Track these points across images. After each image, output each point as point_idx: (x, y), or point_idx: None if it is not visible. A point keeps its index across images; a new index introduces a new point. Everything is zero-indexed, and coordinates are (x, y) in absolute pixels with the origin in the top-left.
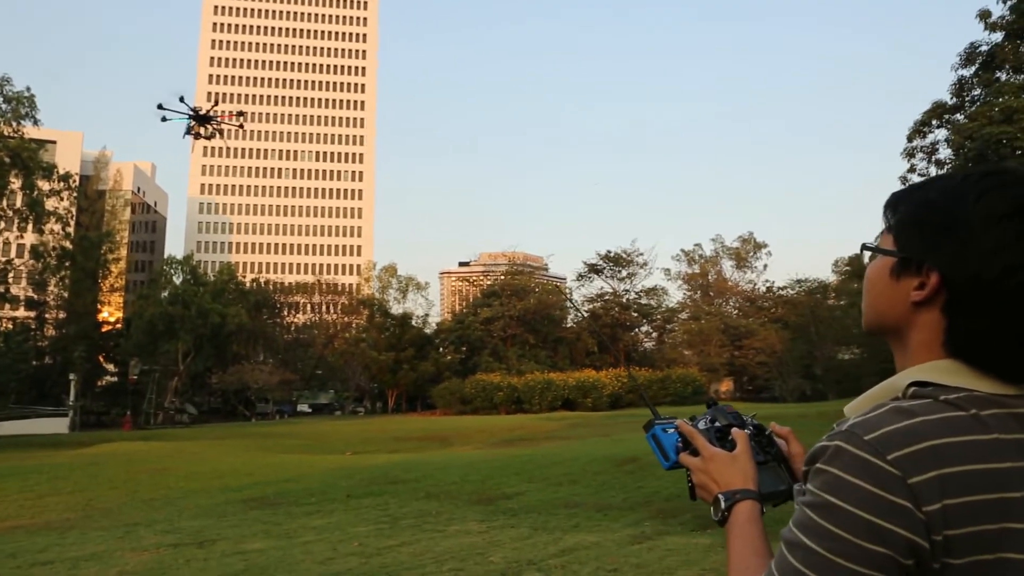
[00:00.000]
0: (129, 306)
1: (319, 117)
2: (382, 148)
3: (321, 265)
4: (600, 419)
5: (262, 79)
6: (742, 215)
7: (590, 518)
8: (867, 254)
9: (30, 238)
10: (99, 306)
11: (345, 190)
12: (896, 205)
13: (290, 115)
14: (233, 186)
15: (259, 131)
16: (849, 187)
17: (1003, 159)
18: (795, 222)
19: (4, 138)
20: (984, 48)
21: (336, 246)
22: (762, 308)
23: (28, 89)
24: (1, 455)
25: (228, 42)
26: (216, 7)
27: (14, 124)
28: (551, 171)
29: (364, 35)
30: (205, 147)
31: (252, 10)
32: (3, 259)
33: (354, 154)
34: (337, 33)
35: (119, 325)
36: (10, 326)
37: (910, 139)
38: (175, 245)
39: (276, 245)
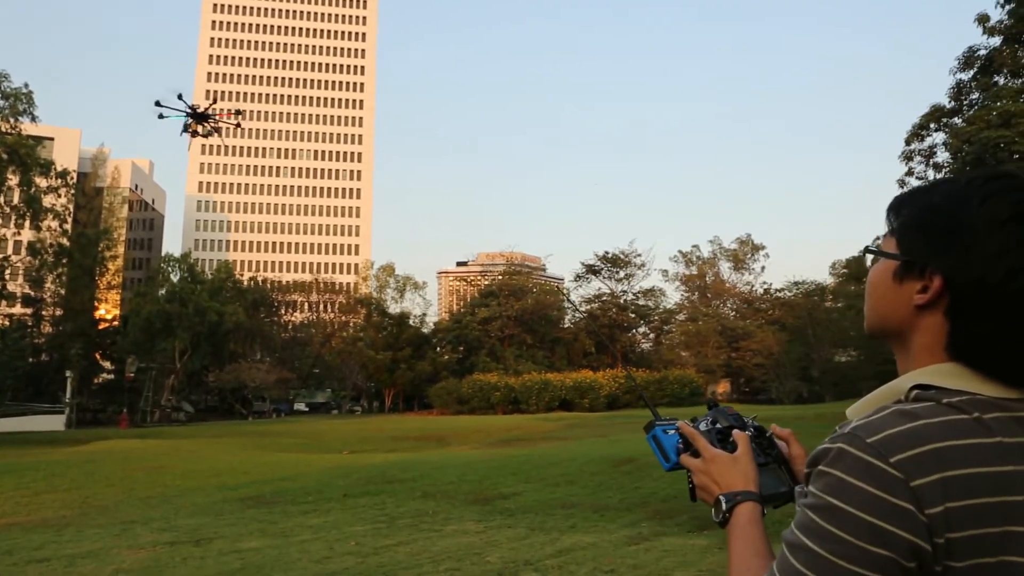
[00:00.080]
0: (126, 304)
1: (318, 116)
2: (381, 147)
3: (319, 264)
4: (597, 420)
5: (261, 77)
6: (741, 216)
7: (587, 519)
8: (870, 257)
9: (27, 235)
10: (96, 303)
11: (343, 189)
12: (899, 208)
13: (289, 114)
14: (231, 184)
15: (258, 129)
16: (848, 188)
17: (1001, 163)
18: (793, 223)
19: (2, 134)
20: (982, 52)
21: (334, 245)
22: (759, 310)
23: (26, 85)
24: None
25: (227, 40)
26: (215, 5)
27: (12, 120)
28: (550, 171)
29: (363, 34)
30: (203, 145)
31: (251, 8)
32: (0, 256)
33: (353, 153)
34: (336, 32)
35: (116, 323)
36: (7, 323)
37: (908, 142)
38: (173, 243)
39: (274, 243)
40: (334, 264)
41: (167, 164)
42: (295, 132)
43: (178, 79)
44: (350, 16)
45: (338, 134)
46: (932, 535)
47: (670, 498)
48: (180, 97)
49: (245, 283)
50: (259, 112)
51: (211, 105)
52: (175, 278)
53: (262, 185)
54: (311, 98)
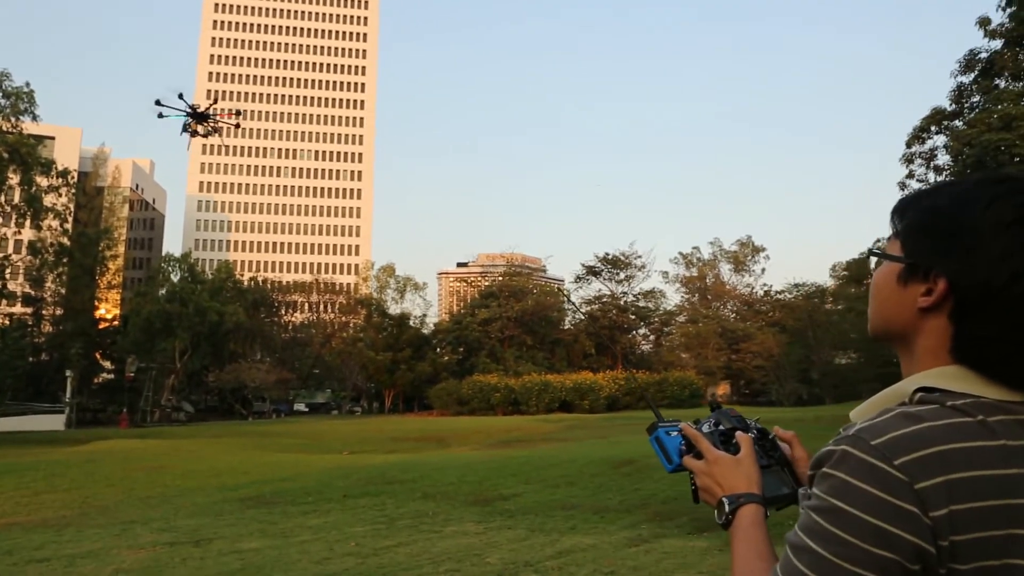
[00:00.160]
0: (126, 303)
1: (318, 116)
2: (381, 148)
3: (319, 264)
4: (597, 421)
5: (262, 77)
6: (741, 217)
7: (587, 520)
8: (874, 259)
9: (28, 234)
10: (96, 303)
11: (344, 189)
12: (904, 211)
13: (289, 114)
14: (232, 184)
15: (258, 129)
16: (848, 189)
17: (1001, 166)
18: (793, 224)
19: (3, 133)
20: (983, 55)
21: (334, 245)
22: (760, 312)
23: (27, 84)
24: None
25: (228, 40)
26: (216, 5)
27: (13, 120)
28: (550, 172)
29: (364, 34)
30: (204, 145)
31: (252, 8)
32: (1, 255)
33: (353, 153)
34: (337, 32)
35: (116, 322)
36: (7, 322)
37: (909, 145)
38: (173, 243)
39: (274, 244)
40: (334, 264)
41: (168, 164)
42: (296, 132)
43: (179, 79)
44: (351, 16)
45: (339, 134)
46: (936, 537)
47: (670, 500)
48: (181, 97)
49: (245, 283)
50: (260, 112)
51: (211, 105)
52: (175, 278)
53: (263, 185)
54: (312, 98)
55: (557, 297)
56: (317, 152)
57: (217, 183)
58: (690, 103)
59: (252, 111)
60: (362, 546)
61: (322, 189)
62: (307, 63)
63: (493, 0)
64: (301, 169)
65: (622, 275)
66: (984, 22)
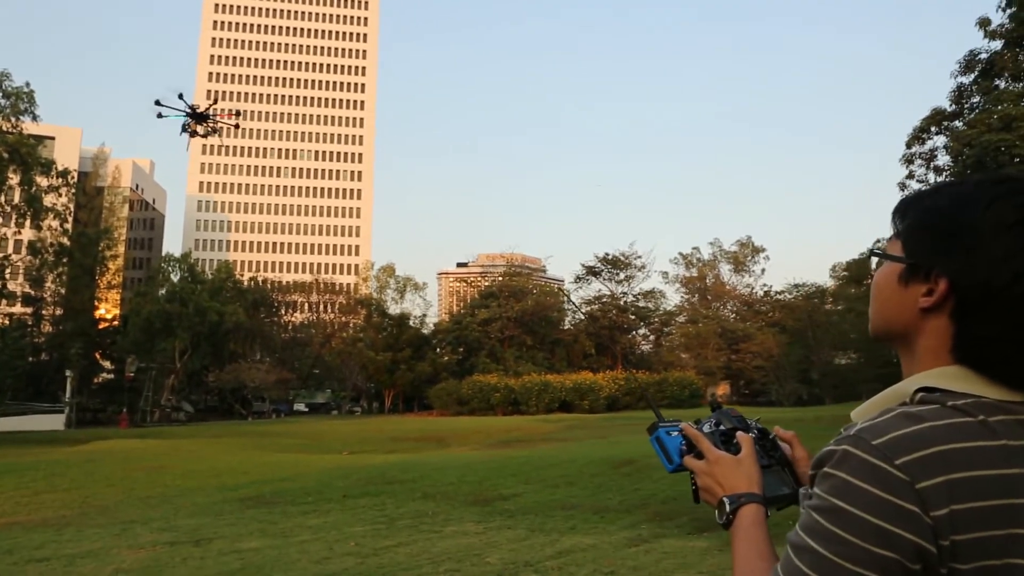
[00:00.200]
0: (126, 303)
1: (318, 116)
2: (381, 148)
3: (319, 264)
4: (597, 421)
5: (262, 77)
6: (741, 217)
7: (587, 520)
8: (875, 260)
9: (28, 234)
10: (96, 303)
11: (344, 189)
12: (905, 211)
13: (289, 114)
14: (232, 184)
15: (258, 130)
16: (848, 190)
17: (1001, 166)
18: (793, 225)
19: (3, 133)
20: (983, 56)
21: (334, 245)
22: (759, 312)
23: (27, 84)
24: None
25: (228, 40)
26: (217, 5)
27: (13, 120)
28: (550, 172)
29: (364, 35)
30: (204, 145)
31: (253, 8)
32: (1, 255)
33: (353, 153)
34: (337, 32)
35: (116, 322)
36: (7, 322)
37: (909, 145)
38: (173, 243)
39: (274, 244)
40: (334, 264)
41: (168, 164)
42: (296, 132)
43: (179, 79)
44: (351, 16)
45: (339, 134)
46: (937, 537)
47: (670, 500)
48: (181, 97)
49: (245, 283)
50: (260, 112)
51: (211, 105)
52: (175, 278)
53: (263, 185)
54: (312, 98)
55: (557, 297)
56: (317, 152)
57: (217, 183)
58: (690, 103)
59: (252, 111)
60: (362, 546)
61: (322, 189)
62: (307, 63)
63: (493, 0)
64: (301, 169)
65: (622, 275)
66: (984, 23)
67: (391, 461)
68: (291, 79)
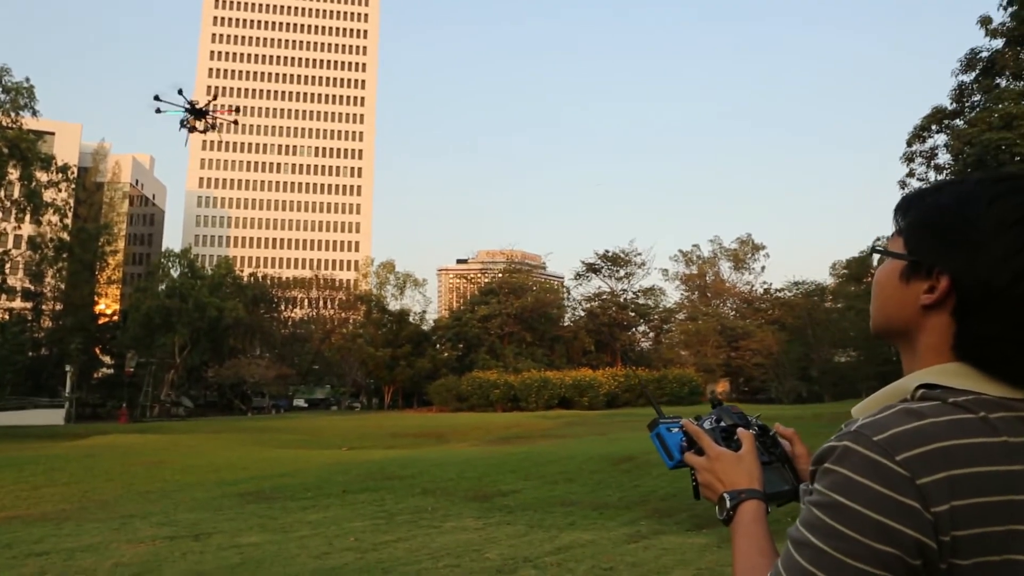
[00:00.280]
0: (126, 299)
1: (319, 112)
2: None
3: (319, 260)
4: (597, 418)
5: (262, 73)
6: (741, 216)
7: (586, 516)
8: (876, 257)
9: (28, 229)
10: (96, 298)
11: (344, 186)
12: (907, 209)
13: (290, 110)
14: (232, 180)
15: (258, 126)
16: (848, 188)
17: (1002, 165)
18: (793, 223)
19: (3, 129)
20: (984, 54)
21: (334, 241)
22: (759, 310)
23: (27, 80)
24: None
25: (228, 36)
26: (217, 1)
27: (13, 115)
28: (550, 170)
29: (365, 31)
30: (204, 141)
31: (253, 5)
32: (0, 250)
33: (353, 150)
34: (338, 29)
35: (116, 317)
36: (7, 317)
37: (909, 144)
38: (173, 238)
39: (274, 240)
40: (334, 261)
41: (168, 159)
42: (296, 129)
43: (179, 75)
44: (352, 13)
45: (339, 131)
46: (938, 533)
47: (669, 496)
48: (180, 92)
49: (245, 279)
50: (260, 109)
51: (211, 101)
52: (175, 273)
53: (263, 181)
54: (312, 95)
55: (557, 294)
56: (317, 148)
57: (217, 179)
58: (690, 103)
59: (252, 107)
60: (361, 541)
61: (322, 185)
62: (307, 60)
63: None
64: (301, 165)
65: (622, 272)
66: (985, 21)
67: (390, 457)
68: (291, 75)
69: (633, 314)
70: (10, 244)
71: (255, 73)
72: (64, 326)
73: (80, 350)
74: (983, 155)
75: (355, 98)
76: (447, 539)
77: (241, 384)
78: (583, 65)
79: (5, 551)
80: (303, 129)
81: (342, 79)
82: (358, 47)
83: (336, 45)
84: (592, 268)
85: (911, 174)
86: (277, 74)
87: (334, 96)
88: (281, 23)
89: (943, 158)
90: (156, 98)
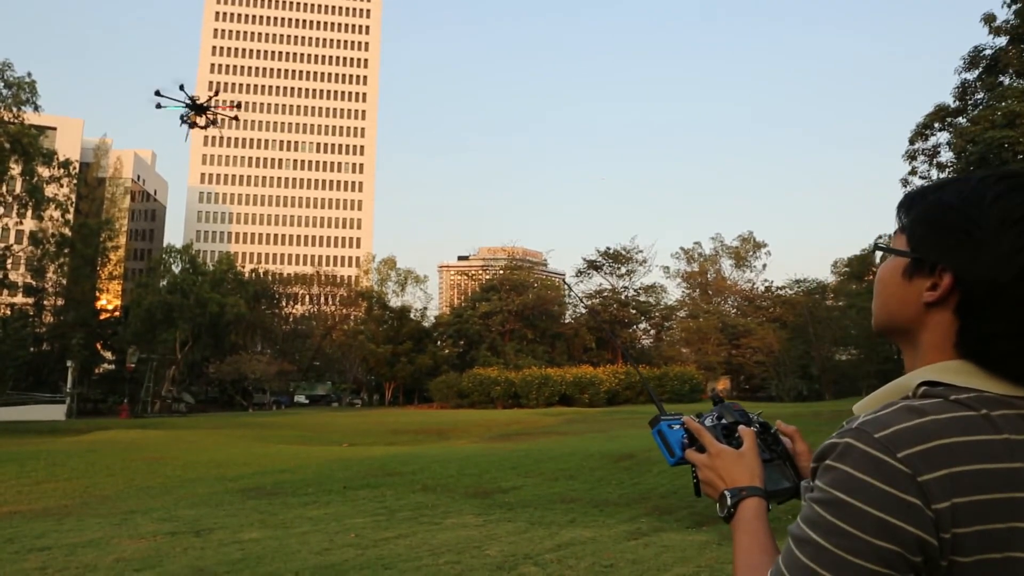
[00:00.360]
0: (127, 294)
1: (320, 108)
2: (383, 141)
3: (320, 256)
4: (597, 415)
5: (264, 69)
6: (742, 214)
7: (586, 513)
8: (879, 254)
9: (29, 224)
10: (97, 294)
11: (345, 182)
12: (910, 206)
13: (291, 106)
14: (233, 176)
15: (260, 121)
16: (850, 187)
17: (1005, 163)
18: (795, 221)
19: (4, 123)
20: (988, 52)
21: (335, 238)
22: (760, 307)
23: (29, 75)
24: None
25: (230, 31)
26: None
27: (15, 110)
28: (552, 168)
29: (367, 27)
30: (205, 137)
31: (255, 0)
32: (2, 245)
33: (355, 146)
34: (340, 25)
35: (117, 313)
36: (8, 312)
37: (912, 141)
38: (174, 234)
39: (275, 236)
40: (335, 257)
41: (169, 155)
42: (297, 124)
43: (181, 70)
44: (354, 8)
45: (340, 127)
46: (939, 530)
47: (669, 494)
48: (182, 88)
49: (246, 275)
50: (262, 104)
51: (212, 97)
52: (176, 269)
53: (264, 177)
54: (314, 90)
55: (558, 291)
56: (319, 145)
57: (218, 175)
58: (692, 102)
59: (254, 103)
60: (362, 537)
61: (323, 181)
62: (309, 55)
63: None
64: (303, 161)
65: (623, 269)
66: (989, 19)
67: (391, 453)
68: (293, 71)
69: (634, 311)
70: (12, 239)
71: (257, 69)
72: (65, 322)
73: (81, 346)
74: (986, 153)
75: (357, 94)
76: (448, 535)
77: (242, 380)
78: (584, 64)
79: (7, 546)
80: (305, 125)
81: (344, 75)
82: (360, 43)
83: (338, 41)
84: (593, 265)
85: (913, 172)
86: (279, 70)
87: (336, 92)
88: (283, 19)
89: (946, 156)
90: (157, 93)
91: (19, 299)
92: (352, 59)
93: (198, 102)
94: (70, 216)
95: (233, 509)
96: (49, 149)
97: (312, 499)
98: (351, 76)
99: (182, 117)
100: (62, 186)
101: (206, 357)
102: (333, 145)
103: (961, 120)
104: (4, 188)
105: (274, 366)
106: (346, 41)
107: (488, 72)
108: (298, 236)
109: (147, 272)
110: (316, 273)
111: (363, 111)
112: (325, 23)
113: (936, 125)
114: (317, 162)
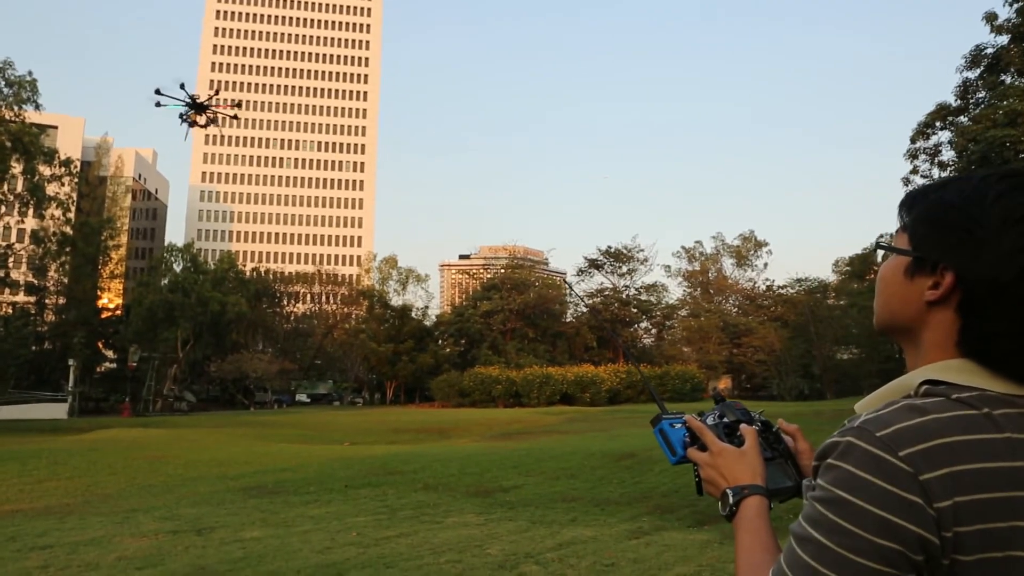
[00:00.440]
0: (129, 293)
1: (322, 107)
2: (384, 140)
3: (321, 255)
4: (598, 414)
5: (265, 68)
6: (744, 213)
7: (587, 512)
8: (881, 253)
9: (31, 223)
10: (99, 292)
11: (346, 180)
12: (912, 205)
13: (293, 104)
14: (234, 175)
15: (261, 120)
16: (851, 186)
17: (1007, 162)
18: (796, 221)
19: (6, 122)
20: (990, 51)
21: (337, 236)
22: (762, 306)
23: (30, 73)
24: (0, 439)
25: (231, 30)
26: None
27: (16, 108)
28: (553, 167)
29: (368, 26)
30: (206, 135)
31: None
32: (3, 244)
33: (356, 145)
34: (341, 23)
35: (119, 312)
36: (10, 311)
37: (913, 140)
38: (175, 233)
39: (277, 234)
40: (337, 255)
41: (171, 154)
42: (299, 123)
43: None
44: (355, 7)
45: (342, 125)
46: (940, 529)
47: (671, 493)
48: (182, 86)
49: (248, 273)
50: (263, 103)
51: (212, 95)
52: (178, 268)
53: (265, 176)
54: (315, 89)
55: (559, 290)
56: (320, 143)
57: (220, 173)
58: (693, 101)
59: (255, 102)
60: (363, 536)
61: (325, 180)
62: (310, 55)
63: None
64: (304, 160)
65: (624, 268)
66: (991, 17)
67: (393, 452)
68: (294, 70)
69: (635, 310)
70: (13, 238)
71: (258, 68)
72: (67, 320)
73: (83, 344)
74: (987, 152)
75: (357, 93)
76: (449, 534)
77: (243, 379)
78: (584, 64)
79: (9, 544)
80: (305, 124)
81: (345, 74)
82: (361, 42)
83: (339, 39)
84: (594, 264)
85: (915, 171)
86: (279, 69)
87: (337, 91)
88: (284, 18)
89: (947, 155)
90: (157, 92)
91: (21, 298)
92: (353, 58)
93: (198, 101)
94: (71, 215)
95: (235, 508)
96: (50, 148)
97: (313, 498)
98: (352, 75)
99: (182, 116)
100: (63, 185)
101: (207, 356)
102: (334, 144)
103: (963, 119)
104: (5, 187)
105: (275, 365)
106: (347, 40)
107: (488, 72)
108: (299, 235)
109: (148, 271)
110: (317, 272)
111: (364, 110)
112: (326, 22)
113: (938, 124)
114: (318, 161)
